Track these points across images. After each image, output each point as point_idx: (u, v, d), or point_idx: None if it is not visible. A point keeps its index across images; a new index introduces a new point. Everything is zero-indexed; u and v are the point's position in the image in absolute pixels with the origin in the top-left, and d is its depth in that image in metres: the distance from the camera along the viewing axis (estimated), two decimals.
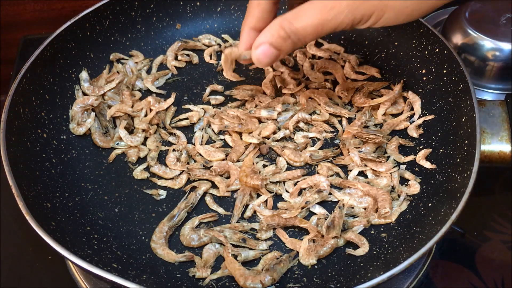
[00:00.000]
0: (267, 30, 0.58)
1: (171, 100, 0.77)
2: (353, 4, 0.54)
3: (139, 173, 0.70)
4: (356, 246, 0.62)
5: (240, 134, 0.74)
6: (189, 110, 0.78)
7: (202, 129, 0.75)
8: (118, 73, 0.81)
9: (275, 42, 0.58)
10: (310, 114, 0.76)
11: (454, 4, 0.96)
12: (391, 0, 0.55)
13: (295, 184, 0.68)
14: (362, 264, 0.60)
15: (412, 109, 0.75)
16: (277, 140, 0.73)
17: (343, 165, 0.70)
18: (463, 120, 0.67)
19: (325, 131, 0.74)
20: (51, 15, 1.08)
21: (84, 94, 0.78)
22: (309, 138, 0.73)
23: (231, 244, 0.61)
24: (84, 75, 0.79)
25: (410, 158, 0.70)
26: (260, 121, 0.75)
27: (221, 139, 0.74)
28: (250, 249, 0.61)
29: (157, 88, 0.81)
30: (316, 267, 0.60)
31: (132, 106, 0.77)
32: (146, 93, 0.80)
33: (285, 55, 0.60)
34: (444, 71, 0.73)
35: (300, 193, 0.67)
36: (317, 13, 0.55)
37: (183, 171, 0.70)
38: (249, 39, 0.63)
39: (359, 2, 0.54)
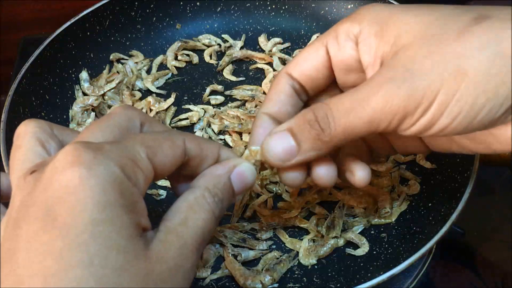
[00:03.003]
0: (294, 116, 0.43)
1: (171, 100, 0.77)
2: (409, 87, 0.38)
3: None
4: (356, 246, 0.62)
5: (240, 134, 0.74)
6: (189, 110, 0.78)
7: (202, 129, 0.75)
8: (118, 73, 0.81)
9: (295, 129, 0.42)
10: None
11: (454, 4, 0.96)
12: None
13: None
14: (362, 264, 0.60)
15: None
16: None
17: None
18: None
19: None
20: (51, 15, 1.08)
21: (84, 94, 0.78)
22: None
23: (231, 244, 0.61)
24: (84, 75, 0.79)
25: (410, 158, 0.70)
26: None
27: (221, 139, 0.74)
28: (250, 249, 0.61)
29: (157, 88, 0.81)
30: (316, 267, 0.60)
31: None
32: (146, 93, 0.80)
33: (306, 157, 0.43)
34: None
35: (300, 193, 0.67)
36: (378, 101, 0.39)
37: None
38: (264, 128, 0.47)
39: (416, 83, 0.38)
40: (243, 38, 0.88)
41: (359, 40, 0.45)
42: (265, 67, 0.84)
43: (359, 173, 0.48)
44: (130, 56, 0.85)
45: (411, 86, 0.38)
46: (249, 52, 0.85)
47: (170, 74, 0.84)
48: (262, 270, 0.59)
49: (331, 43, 0.47)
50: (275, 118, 0.47)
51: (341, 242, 0.62)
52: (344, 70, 0.47)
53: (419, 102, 0.38)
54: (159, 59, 0.85)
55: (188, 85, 0.83)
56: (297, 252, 0.61)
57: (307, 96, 0.50)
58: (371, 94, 0.39)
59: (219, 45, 0.88)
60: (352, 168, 0.48)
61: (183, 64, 0.85)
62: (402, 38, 0.40)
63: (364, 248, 0.61)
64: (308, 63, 0.48)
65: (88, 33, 0.81)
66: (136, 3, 0.84)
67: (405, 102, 0.38)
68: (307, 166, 0.46)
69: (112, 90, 0.79)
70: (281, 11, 0.91)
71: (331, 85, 0.50)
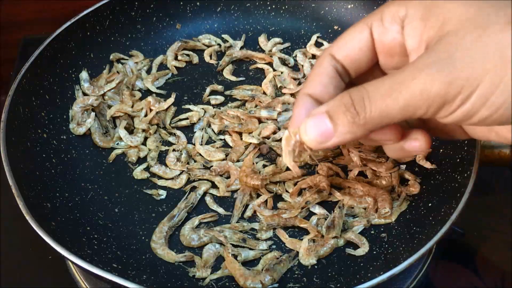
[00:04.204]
0: (333, 99, 0.44)
1: (171, 100, 0.77)
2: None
3: (139, 173, 0.70)
4: (356, 246, 0.62)
5: (240, 134, 0.74)
6: (189, 110, 0.78)
7: (202, 129, 0.75)
8: (118, 73, 0.81)
9: (332, 111, 0.43)
10: None
11: None
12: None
13: (295, 184, 0.68)
14: (362, 264, 0.60)
15: None
16: (277, 140, 0.73)
17: (343, 165, 0.70)
18: None
19: None
20: (51, 15, 1.08)
21: (84, 94, 0.78)
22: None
23: (231, 244, 0.61)
24: (84, 75, 0.79)
25: (410, 158, 0.70)
26: (260, 121, 0.75)
27: (221, 139, 0.74)
28: (250, 249, 0.61)
29: (157, 88, 0.81)
30: (316, 267, 0.60)
31: (132, 106, 0.77)
32: (146, 93, 0.80)
33: (342, 140, 0.43)
34: None
35: (300, 193, 0.67)
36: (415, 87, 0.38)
37: (183, 171, 0.70)
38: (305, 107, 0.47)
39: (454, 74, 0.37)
40: (243, 38, 0.88)
41: (405, 24, 0.44)
42: (265, 67, 0.84)
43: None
44: (130, 56, 0.85)
45: (452, 73, 0.37)
46: (249, 52, 0.85)
47: (170, 74, 0.84)
48: (262, 270, 0.59)
49: (376, 25, 0.46)
50: (316, 99, 0.47)
51: (341, 242, 0.62)
52: (387, 53, 0.46)
53: (459, 91, 0.37)
54: (159, 59, 0.85)
55: (188, 85, 0.83)
56: (297, 252, 0.61)
57: (350, 78, 0.49)
58: (410, 78, 0.38)
59: (219, 45, 0.88)
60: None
61: (183, 64, 0.85)
62: (447, 24, 0.40)
63: (364, 248, 0.61)
64: (352, 44, 0.47)
65: (88, 33, 0.81)
66: (136, 3, 0.84)
67: (444, 90, 0.37)
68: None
69: (112, 90, 0.79)
70: (281, 11, 0.91)
71: (374, 67, 0.49)
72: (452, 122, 0.40)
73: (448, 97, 0.38)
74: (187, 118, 0.76)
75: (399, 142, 0.47)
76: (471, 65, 0.37)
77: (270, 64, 0.84)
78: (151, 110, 0.76)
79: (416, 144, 0.47)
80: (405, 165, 0.69)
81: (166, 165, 0.71)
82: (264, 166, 0.70)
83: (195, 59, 0.86)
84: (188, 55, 0.86)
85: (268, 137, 0.73)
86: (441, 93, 0.38)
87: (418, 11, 0.43)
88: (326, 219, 0.63)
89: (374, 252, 0.61)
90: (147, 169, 0.71)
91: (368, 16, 0.47)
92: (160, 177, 0.70)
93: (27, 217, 0.56)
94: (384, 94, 0.40)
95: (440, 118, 0.40)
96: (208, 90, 0.80)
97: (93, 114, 0.75)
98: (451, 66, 0.37)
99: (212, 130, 0.75)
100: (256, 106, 0.77)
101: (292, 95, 0.78)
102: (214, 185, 0.69)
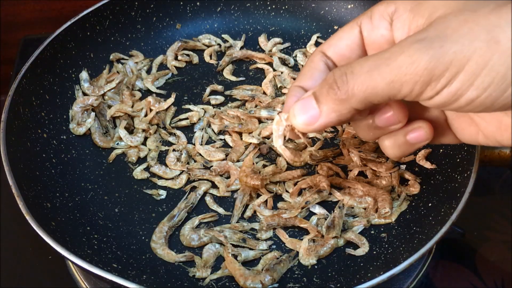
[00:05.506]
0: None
1: (171, 100, 0.77)
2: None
3: (139, 173, 0.70)
4: (356, 246, 0.62)
5: (240, 134, 0.74)
6: (189, 110, 0.78)
7: (202, 129, 0.75)
8: (118, 73, 0.81)
9: (317, 92, 0.43)
10: None
11: None
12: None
13: (295, 184, 0.68)
14: (362, 264, 0.60)
15: None
16: None
17: (343, 165, 0.70)
18: None
19: (325, 131, 0.74)
20: (51, 15, 1.08)
21: (84, 94, 0.78)
22: (309, 138, 0.73)
23: (231, 244, 0.61)
24: (84, 75, 0.79)
25: (410, 158, 0.70)
26: (260, 121, 0.75)
27: (221, 139, 0.74)
28: (250, 249, 0.61)
29: (157, 88, 0.81)
30: (316, 267, 0.60)
31: (132, 106, 0.77)
32: (146, 93, 0.80)
33: (328, 120, 0.43)
34: None
35: (300, 193, 0.67)
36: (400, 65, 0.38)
37: (183, 171, 0.70)
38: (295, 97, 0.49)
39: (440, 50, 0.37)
40: (243, 38, 0.88)
41: (394, 18, 0.45)
42: (265, 67, 0.84)
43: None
44: (130, 56, 0.85)
45: (441, 49, 0.37)
46: (249, 52, 0.85)
47: (170, 74, 0.84)
48: (262, 270, 0.59)
49: (365, 23, 0.47)
50: (308, 91, 0.48)
51: (341, 242, 0.62)
52: (376, 50, 0.47)
53: (447, 67, 0.37)
54: (159, 59, 0.85)
55: (188, 85, 0.83)
56: (297, 252, 0.61)
57: None
58: (398, 53, 0.38)
59: (219, 45, 0.88)
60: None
61: (183, 64, 0.85)
62: (437, 12, 0.40)
63: (364, 248, 0.61)
64: (342, 42, 0.49)
65: (88, 33, 0.81)
66: (136, 3, 0.84)
67: (432, 64, 0.37)
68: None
69: (112, 90, 0.79)
70: (281, 11, 0.91)
71: None
72: (438, 105, 0.40)
73: (435, 72, 0.37)
74: (187, 118, 0.76)
75: (401, 135, 0.47)
76: (460, 43, 0.37)
77: (270, 64, 0.84)
78: (151, 110, 0.76)
79: (422, 133, 0.46)
80: (405, 165, 0.69)
81: (166, 165, 0.71)
82: (264, 166, 0.70)
83: (195, 59, 0.86)
84: (188, 55, 0.86)
85: (268, 137, 0.73)
86: (429, 67, 0.37)
87: (407, 5, 0.44)
88: (326, 219, 0.63)
89: (374, 252, 0.61)
90: (147, 169, 0.71)
91: (359, 16, 0.48)
92: (160, 177, 0.70)
93: (27, 217, 0.56)
94: (369, 69, 0.39)
95: (425, 100, 0.39)
96: (208, 90, 0.80)
97: (93, 114, 0.75)
98: (441, 42, 0.37)
99: (212, 130, 0.75)
100: (256, 106, 0.77)
101: None
102: (214, 185, 0.69)
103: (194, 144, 0.73)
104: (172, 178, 0.70)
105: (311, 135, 0.73)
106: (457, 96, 0.38)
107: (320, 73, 0.49)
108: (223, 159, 0.71)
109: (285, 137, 0.51)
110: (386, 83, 0.39)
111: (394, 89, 0.39)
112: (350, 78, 0.40)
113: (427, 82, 0.38)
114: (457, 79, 0.37)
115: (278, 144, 0.52)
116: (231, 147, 0.73)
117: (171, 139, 0.74)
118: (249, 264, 0.61)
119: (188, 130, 0.76)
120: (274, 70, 0.83)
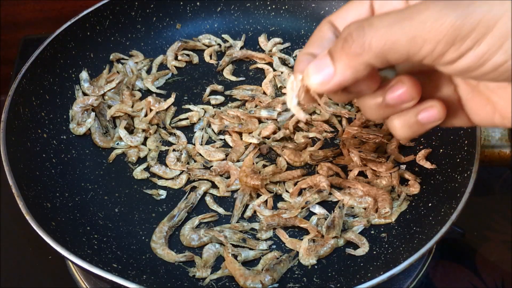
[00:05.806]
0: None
1: (171, 100, 0.77)
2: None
3: (139, 173, 0.70)
4: (356, 246, 0.62)
5: (240, 134, 0.74)
6: (189, 110, 0.78)
7: (202, 129, 0.75)
8: (118, 73, 0.81)
9: (332, 49, 0.41)
10: (310, 114, 0.76)
11: None
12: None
13: (295, 184, 0.68)
14: (362, 264, 0.60)
15: None
16: (277, 140, 0.73)
17: (343, 165, 0.70)
18: None
19: (325, 131, 0.74)
20: (51, 15, 1.08)
21: (84, 94, 0.78)
22: (309, 138, 0.73)
23: (231, 244, 0.61)
24: (84, 75, 0.79)
25: (410, 158, 0.70)
26: (260, 121, 0.75)
27: (221, 139, 0.74)
28: (250, 249, 0.61)
29: (157, 88, 0.81)
30: (316, 267, 0.60)
31: (132, 106, 0.77)
32: (146, 93, 0.80)
33: (343, 78, 0.41)
34: None
35: (300, 193, 0.67)
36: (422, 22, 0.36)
37: (183, 171, 0.70)
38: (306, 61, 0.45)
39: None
40: (243, 38, 0.88)
41: None
42: (265, 67, 0.84)
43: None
44: (130, 56, 0.85)
45: (468, 7, 0.34)
46: (249, 52, 0.85)
47: (170, 74, 0.84)
48: (262, 270, 0.59)
49: None
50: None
51: (341, 242, 0.62)
52: None
53: (474, 27, 0.34)
54: (159, 59, 0.85)
55: (188, 85, 0.83)
56: (297, 252, 0.61)
57: None
58: (424, 9, 0.36)
59: (219, 45, 0.88)
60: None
61: (183, 64, 0.85)
62: None
63: (364, 248, 0.61)
64: (351, 14, 0.46)
65: (88, 33, 0.81)
66: (136, 3, 0.84)
67: (458, 22, 0.34)
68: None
69: (112, 90, 0.79)
70: (281, 11, 0.91)
71: None
72: (460, 71, 0.37)
73: (461, 32, 0.35)
74: (187, 118, 0.76)
75: (412, 114, 0.44)
76: (489, 3, 0.34)
77: (270, 64, 0.84)
78: (151, 110, 0.76)
79: (434, 112, 0.43)
80: (405, 165, 0.69)
81: (166, 165, 0.71)
82: (264, 166, 0.70)
83: (195, 59, 0.86)
84: (188, 55, 0.86)
85: (268, 137, 0.73)
86: (455, 25, 0.35)
87: None
88: (326, 219, 0.63)
89: (374, 252, 0.61)
90: (147, 169, 0.71)
91: None
92: (160, 177, 0.70)
93: (27, 217, 0.56)
94: (390, 23, 0.37)
95: (446, 64, 0.37)
96: (208, 90, 0.80)
97: (93, 114, 0.75)
98: (468, 2, 0.35)
99: (212, 130, 0.75)
100: (256, 106, 0.77)
101: None
102: (214, 185, 0.69)
103: (194, 144, 0.73)
104: (172, 178, 0.70)
105: (311, 135, 0.73)
106: (483, 60, 0.36)
107: (329, 41, 0.46)
108: (223, 159, 0.71)
109: (300, 97, 0.46)
110: (408, 39, 0.36)
111: (415, 46, 0.36)
112: (368, 31, 0.38)
113: (451, 42, 0.35)
114: (485, 41, 0.35)
115: (291, 104, 0.48)
116: (231, 147, 0.73)
117: (171, 139, 0.74)
118: (249, 264, 0.61)
119: (188, 130, 0.76)
120: (274, 70, 0.83)
